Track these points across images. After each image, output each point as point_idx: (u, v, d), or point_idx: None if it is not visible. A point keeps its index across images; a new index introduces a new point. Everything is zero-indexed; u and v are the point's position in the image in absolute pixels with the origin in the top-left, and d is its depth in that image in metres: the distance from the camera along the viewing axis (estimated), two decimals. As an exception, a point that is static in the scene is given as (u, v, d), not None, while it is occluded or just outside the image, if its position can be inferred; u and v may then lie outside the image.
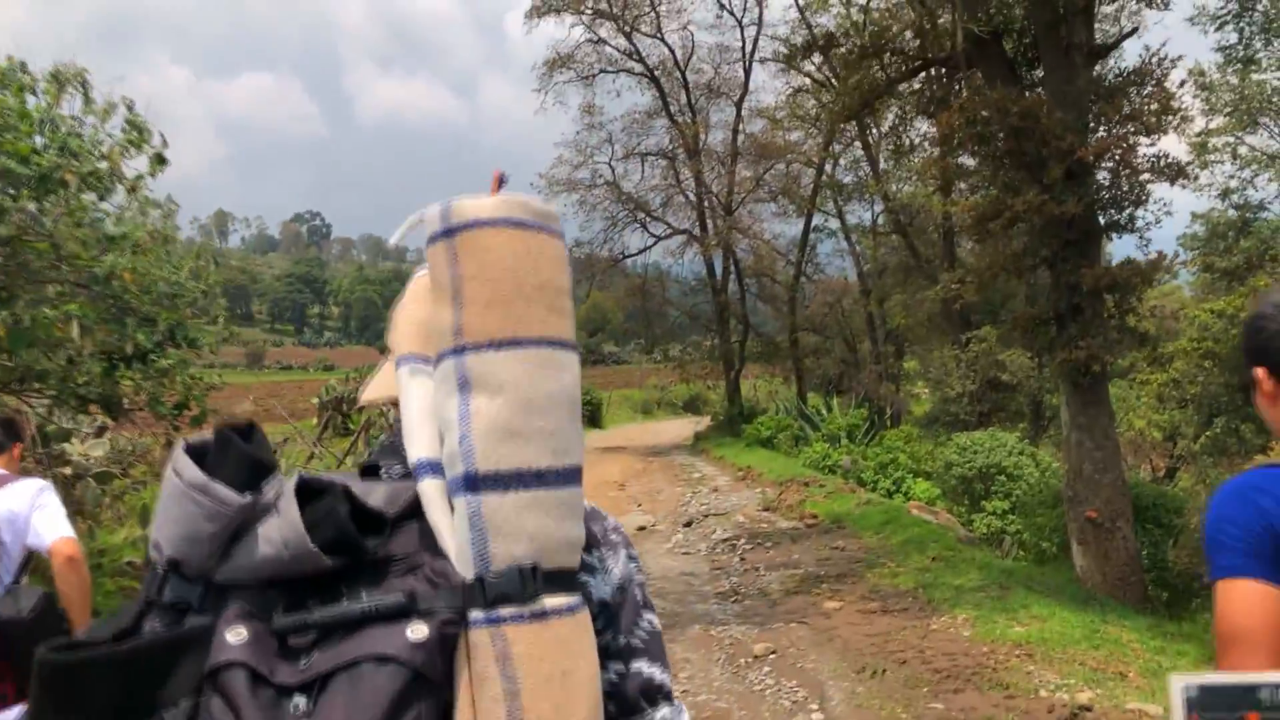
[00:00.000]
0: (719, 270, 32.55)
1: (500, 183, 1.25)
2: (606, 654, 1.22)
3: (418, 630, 1.04)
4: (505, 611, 1.06)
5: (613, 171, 32.16)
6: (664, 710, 1.25)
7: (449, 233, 1.17)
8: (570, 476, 1.14)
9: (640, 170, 32.25)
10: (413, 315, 1.28)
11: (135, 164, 8.95)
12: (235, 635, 1.05)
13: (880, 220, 33.99)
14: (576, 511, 1.14)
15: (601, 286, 35.69)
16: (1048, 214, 9.99)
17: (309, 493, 1.12)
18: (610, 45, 31.18)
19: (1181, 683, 1.42)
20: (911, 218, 27.55)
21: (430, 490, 1.14)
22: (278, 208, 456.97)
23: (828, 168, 31.71)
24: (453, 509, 1.12)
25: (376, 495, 1.17)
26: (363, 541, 1.09)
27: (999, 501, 14.78)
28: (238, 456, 1.11)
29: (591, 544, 1.24)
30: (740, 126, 31.73)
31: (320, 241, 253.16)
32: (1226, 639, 1.61)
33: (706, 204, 32.01)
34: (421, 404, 1.19)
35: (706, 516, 15.33)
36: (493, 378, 1.12)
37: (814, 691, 6.66)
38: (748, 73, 31.48)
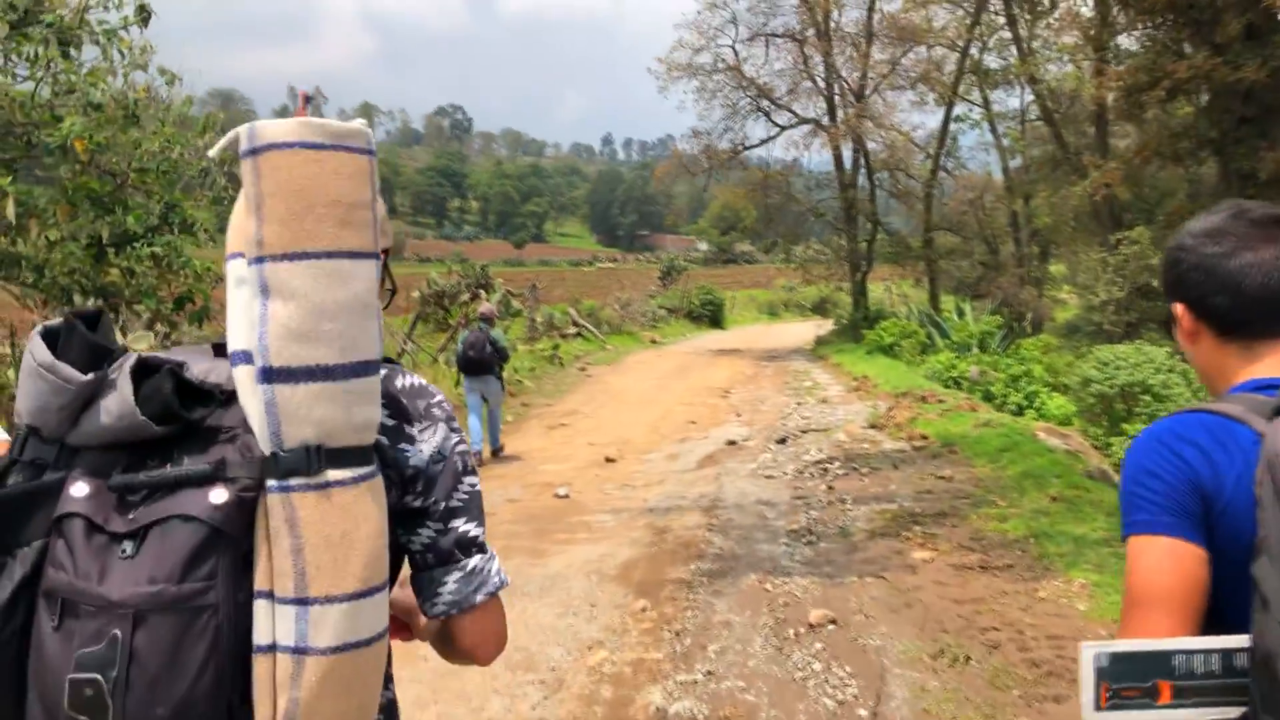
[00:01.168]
0: (848, 163, 30.35)
1: (306, 101, 1.59)
2: (426, 514, 1.47)
3: (219, 494, 1.27)
4: (294, 482, 1.29)
5: (736, 55, 30.06)
6: (475, 559, 1.50)
7: (253, 152, 1.31)
8: (359, 369, 1.32)
9: (765, 54, 30.03)
10: (237, 218, 1.40)
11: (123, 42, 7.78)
12: (78, 490, 1.29)
13: (1029, 109, 31.25)
14: (366, 398, 1.33)
15: (719, 180, 33.76)
16: (1219, 82, 7.98)
17: (147, 370, 1.34)
18: (735, -84, 28.92)
19: (1092, 651, 1.43)
20: (1061, 104, 24.93)
21: (241, 376, 1.32)
22: (422, 101, 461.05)
23: (973, 51, 29.05)
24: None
25: (218, 372, 1.39)
26: (185, 413, 1.32)
27: (1143, 425, 12.86)
28: (82, 341, 1.35)
29: (413, 418, 1.47)
30: (876, 4, 29.20)
31: (462, 135, 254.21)
32: (1138, 600, 1.51)
33: (836, 90, 29.72)
34: (237, 300, 1.35)
35: (805, 433, 13.78)
36: (285, 286, 1.30)
37: (870, 684, 5.17)
38: (886, -57, 28.93)
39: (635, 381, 21.11)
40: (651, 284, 47.06)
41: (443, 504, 1.47)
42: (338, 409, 1.30)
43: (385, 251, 1.56)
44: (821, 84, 29.84)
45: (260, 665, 1.28)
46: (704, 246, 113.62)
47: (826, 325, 34.66)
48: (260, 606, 1.28)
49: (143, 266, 7.79)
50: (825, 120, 29.83)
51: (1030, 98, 29.14)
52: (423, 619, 1.57)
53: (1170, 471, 1.53)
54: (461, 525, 1.49)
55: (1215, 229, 1.64)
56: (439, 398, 1.53)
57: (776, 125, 30.74)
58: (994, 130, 32.33)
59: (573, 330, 28.27)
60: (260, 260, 1.30)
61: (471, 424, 11.97)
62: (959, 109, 31.87)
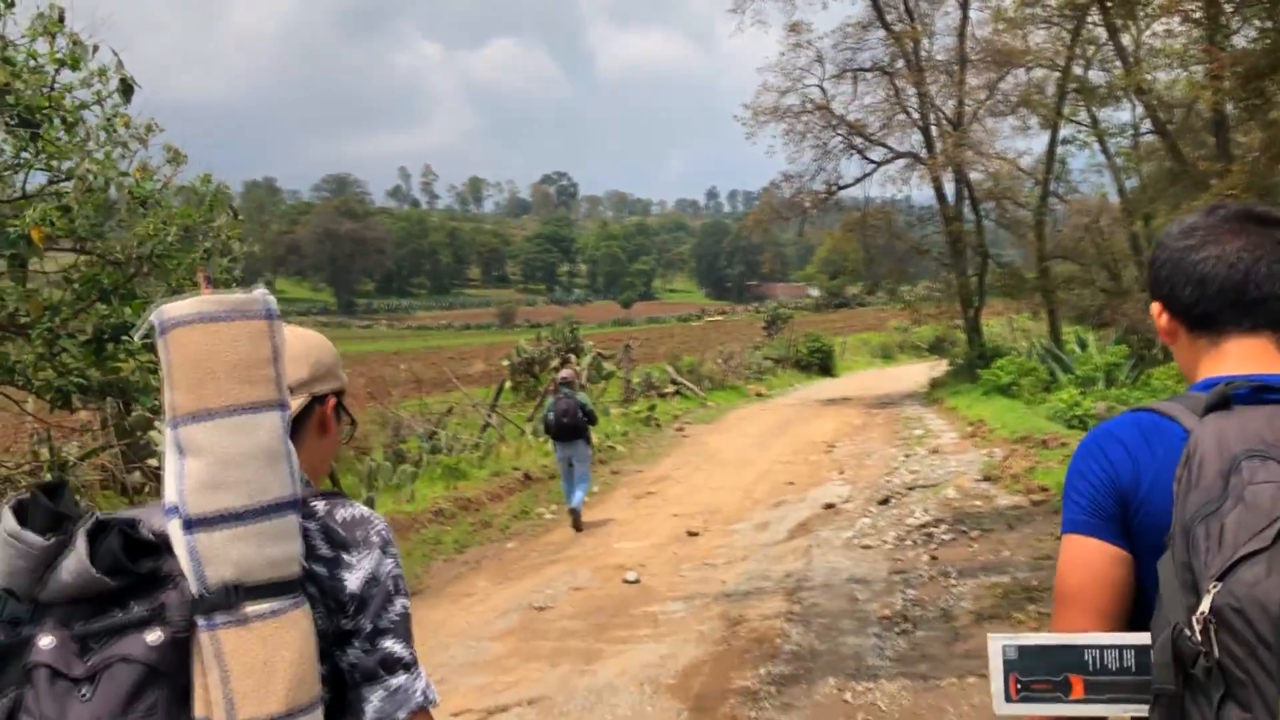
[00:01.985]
0: (950, 196, 28.92)
1: (208, 281, 1.94)
2: (356, 633, 1.58)
3: (154, 636, 1.42)
4: (218, 618, 1.42)
5: (823, 93, 28.95)
6: (401, 678, 1.59)
7: (162, 331, 1.47)
8: (269, 510, 1.46)
9: (853, 90, 28.87)
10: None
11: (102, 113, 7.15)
12: (45, 642, 1.42)
13: (1140, 123, 29.48)
14: (280, 537, 1.47)
15: (814, 223, 32.52)
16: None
17: (103, 529, 1.46)
18: (814, -48, 28.00)
19: (999, 643, 1.48)
20: (1175, 115, 23.25)
21: (172, 527, 1.46)
22: (528, 171, 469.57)
23: (1075, 68, 27.52)
24: None
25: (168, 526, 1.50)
26: (132, 566, 1.45)
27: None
28: (44, 510, 1.47)
29: (350, 546, 1.62)
30: (968, 30, 27.91)
31: (568, 201, 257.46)
32: (1061, 598, 1.59)
33: (932, 121, 28.39)
34: (167, 461, 1.49)
35: (911, 490, 12.53)
36: (194, 443, 1.45)
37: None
38: (974, -33, 27.66)
39: (733, 440, 20.00)
40: (757, 335, 45.92)
41: (370, 624, 1.60)
42: (251, 548, 1.45)
43: (339, 392, 1.85)
44: (916, 116, 28.52)
45: None
46: (815, 292, 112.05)
47: (942, 366, 33.08)
48: None
49: (135, 362, 7.06)
50: (923, 153, 28.48)
51: (1141, 111, 27.47)
52: None
53: (1094, 472, 1.59)
54: (388, 644, 1.60)
55: (1189, 226, 1.65)
56: (378, 525, 1.68)
57: (871, 162, 29.48)
58: (1105, 150, 30.57)
59: (671, 389, 27.29)
60: (175, 424, 1.47)
61: (565, 489, 12.23)
62: (1065, 130, 30.27)
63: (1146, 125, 28.64)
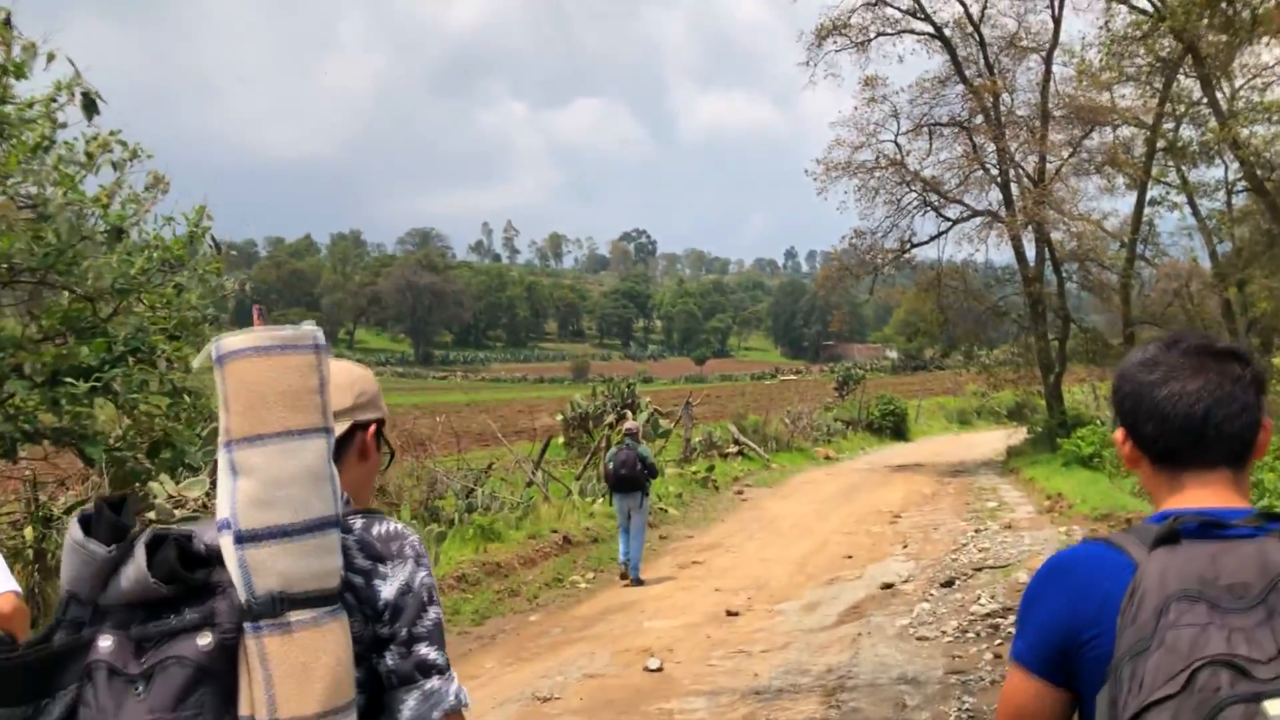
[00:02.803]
0: (1031, 257, 27.66)
1: (260, 315, 2.03)
2: (393, 639, 1.71)
3: (205, 639, 1.55)
4: (264, 625, 1.55)
5: (898, 149, 27.93)
6: (434, 680, 1.72)
7: (220, 360, 1.63)
8: (314, 527, 1.60)
9: (929, 146, 27.81)
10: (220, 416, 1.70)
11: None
12: (104, 642, 1.57)
13: (1234, 184, 28.05)
14: (322, 551, 1.61)
15: (885, 283, 31.28)
16: None
17: (159, 542, 1.61)
18: (890, 4, 27.14)
19: None
20: (1272, 172, 21.91)
21: (224, 541, 1.60)
22: (608, 228, 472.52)
23: (1166, 125, 26.27)
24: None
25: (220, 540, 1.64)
26: (187, 575, 1.58)
27: None
28: (108, 521, 1.63)
29: (386, 559, 1.76)
30: (1051, 85, 26.80)
31: (646, 258, 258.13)
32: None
33: (1012, 178, 27.23)
34: (220, 480, 1.64)
35: (979, 570, 11.39)
36: (247, 464, 1.60)
37: None
38: (1058, 21, 26.51)
39: (795, 506, 18.91)
40: (829, 395, 44.66)
41: (405, 630, 1.72)
42: (296, 561, 1.58)
43: (380, 421, 1.98)
44: (995, 173, 27.38)
45: None
46: (892, 354, 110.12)
47: (1020, 434, 31.65)
48: None
49: (85, 407, 6.32)
50: (1001, 211, 27.29)
51: (1236, 169, 26.11)
52: None
53: (1046, 610, 1.60)
54: (422, 650, 1.73)
55: (1150, 359, 1.68)
56: (411, 539, 1.82)
57: (946, 219, 28.26)
58: (1196, 211, 29.18)
59: (734, 449, 26.24)
60: (229, 445, 1.62)
61: (621, 540, 12.13)
62: (1154, 190, 28.96)
63: (1241, 186, 27.31)
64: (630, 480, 11.81)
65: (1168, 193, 29.79)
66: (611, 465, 12.04)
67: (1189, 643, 1.34)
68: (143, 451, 6.74)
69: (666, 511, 17.81)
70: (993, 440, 33.39)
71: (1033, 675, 1.59)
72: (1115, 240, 29.42)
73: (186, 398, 6.94)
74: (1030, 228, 26.01)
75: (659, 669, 7.95)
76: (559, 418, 23.15)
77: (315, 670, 1.56)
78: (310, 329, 1.69)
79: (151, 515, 9.60)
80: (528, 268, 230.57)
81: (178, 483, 8.63)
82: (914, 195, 28.05)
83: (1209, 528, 1.49)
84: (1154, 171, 27.77)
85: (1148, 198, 28.20)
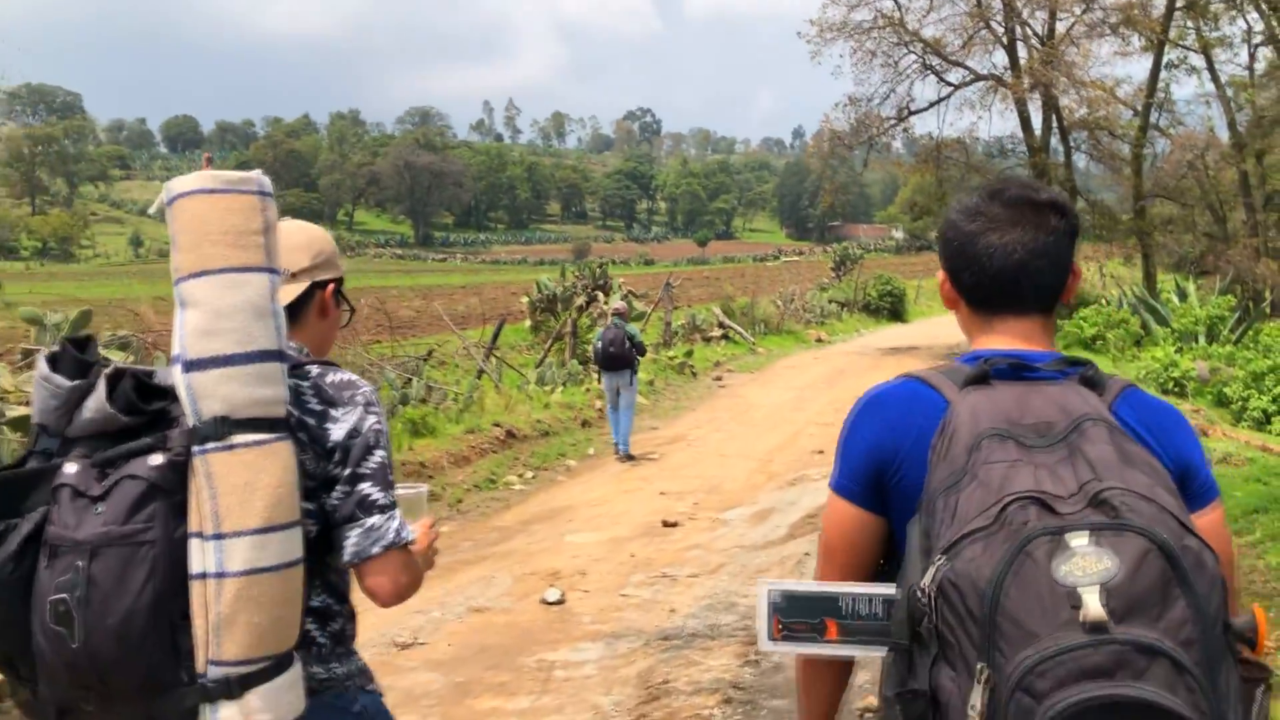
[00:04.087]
0: (1037, 125, 25.80)
1: (209, 162, 2.14)
2: (338, 479, 1.84)
3: (156, 459, 1.66)
4: (209, 445, 1.66)
5: (897, 6, 25.78)
6: (375, 518, 1.83)
7: (170, 201, 1.74)
8: (256, 357, 1.70)
9: (930, 1, 25.60)
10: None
11: None
12: (70, 468, 1.69)
13: (1258, 47, 26.08)
14: (266, 380, 1.70)
15: (880, 154, 29.25)
16: None
17: (119, 376, 1.75)
18: None
19: (766, 587, 1.61)
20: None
21: (175, 371, 1.72)
22: (613, 107, 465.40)
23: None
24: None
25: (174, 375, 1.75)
26: (144, 406, 1.73)
27: None
28: (71, 358, 1.80)
29: (337, 404, 1.88)
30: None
31: (651, 138, 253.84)
32: (822, 550, 1.72)
33: (1019, 37, 25.20)
34: (176, 315, 1.74)
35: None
36: (193, 297, 1.71)
37: None
38: None
39: (773, 394, 17.56)
40: (825, 276, 43.07)
41: (350, 470, 1.84)
42: (239, 388, 1.68)
43: (338, 280, 2.12)
44: (1001, 31, 25.30)
45: (195, 589, 1.65)
46: (899, 234, 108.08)
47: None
48: (193, 544, 1.66)
49: None
50: (1006, 75, 25.30)
51: (1261, 29, 24.15)
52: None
53: (859, 441, 1.68)
54: (365, 488, 1.84)
55: (973, 209, 1.73)
56: (364, 388, 1.93)
57: (948, 84, 26.28)
58: (1215, 76, 27.25)
59: (718, 333, 24.81)
60: (178, 281, 1.73)
61: (611, 420, 12.32)
62: (1172, 54, 26.98)
63: (1264, 56, 25.38)
64: (619, 358, 11.90)
65: (1185, 56, 27.82)
66: (600, 344, 12.14)
67: (999, 478, 1.40)
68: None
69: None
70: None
71: (851, 503, 1.69)
72: (1128, 108, 27.52)
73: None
74: (1037, 92, 24.10)
75: (559, 601, 6.61)
76: (525, 300, 21.67)
77: (257, 488, 1.67)
78: (256, 175, 1.81)
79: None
80: (529, 148, 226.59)
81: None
82: (913, 58, 26.04)
83: (1017, 369, 1.60)
84: (1172, 34, 25.82)
85: (1164, 61, 26.27)
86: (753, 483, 10.33)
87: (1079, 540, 1.29)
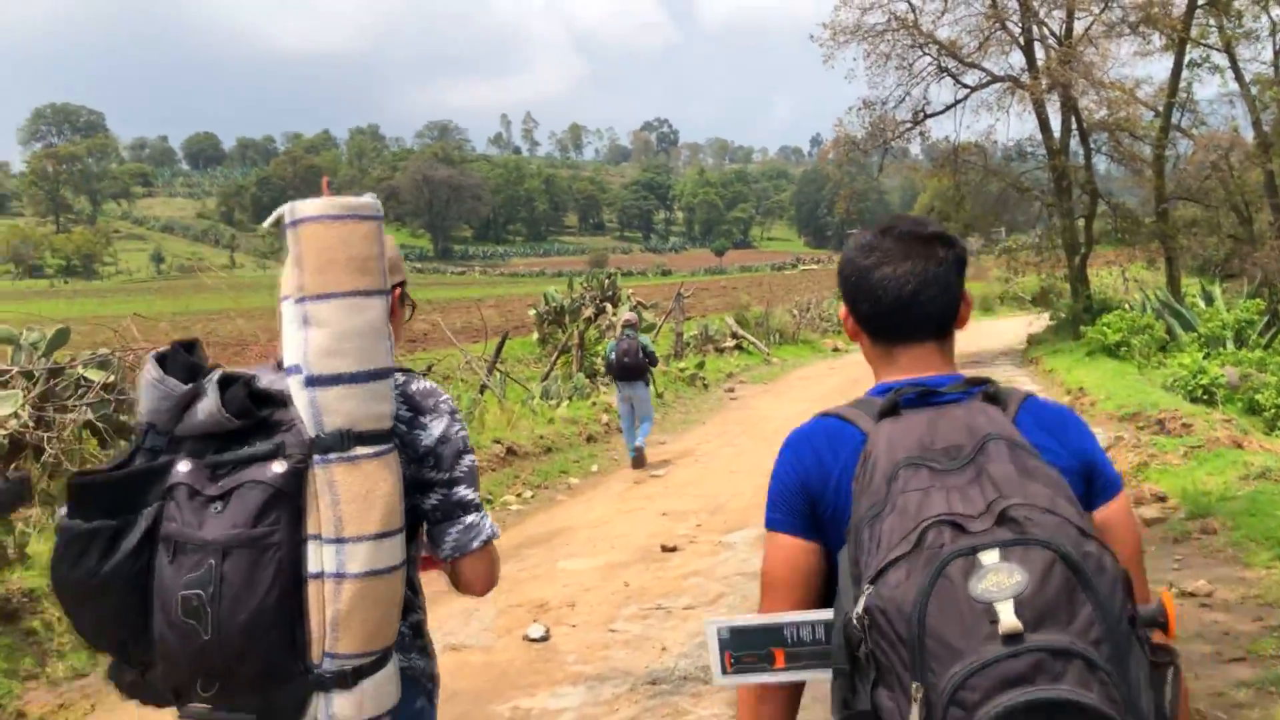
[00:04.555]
0: (1056, 128, 25.20)
1: (328, 185, 2.10)
2: (435, 482, 1.98)
3: (279, 466, 1.77)
4: (331, 456, 1.78)
5: (911, 8, 25.22)
6: (471, 516, 2.00)
7: (294, 224, 1.85)
8: (373, 375, 1.83)
9: (944, 3, 25.00)
10: (286, 272, 1.89)
11: None
12: (183, 467, 1.81)
13: (1282, 48, 25.40)
14: (380, 396, 1.84)
15: (896, 158, 28.61)
16: None
17: (229, 381, 1.86)
18: None
19: (714, 626, 1.70)
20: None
21: (293, 384, 1.83)
22: (630, 118, 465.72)
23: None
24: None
25: (280, 382, 1.88)
26: (256, 411, 1.84)
27: None
28: (182, 361, 1.93)
29: (425, 411, 2.00)
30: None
31: (668, 148, 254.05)
32: (764, 585, 1.78)
33: (1036, 36, 24.61)
34: (288, 330, 1.86)
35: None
36: (319, 317, 1.81)
37: None
38: None
39: (786, 405, 17.04)
40: (843, 284, 42.46)
41: (445, 474, 1.98)
42: (359, 403, 1.81)
43: (401, 284, 2.17)
44: (1017, 31, 24.71)
45: (312, 588, 1.79)
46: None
47: (1043, 321, 29.53)
48: (311, 546, 1.79)
49: None
50: (1024, 77, 24.70)
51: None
52: None
53: (788, 474, 1.77)
54: (460, 490, 1.99)
55: (868, 244, 1.83)
56: (445, 396, 2.06)
57: (965, 86, 25.70)
58: (1238, 74, 26.47)
59: (731, 343, 24.31)
60: (301, 300, 1.83)
61: (625, 429, 12.26)
62: (1194, 53, 26.30)
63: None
64: (634, 369, 11.86)
65: (1208, 55, 27.13)
66: (613, 355, 12.11)
67: (916, 505, 1.47)
68: None
69: (641, 414, 15.98)
70: (1015, 327, 31.35)
71: (789, 534, 1.74)
72: (1148, 109, 26.87)
73: None
74: (1055, 93, 23.49)
75: (543, 638, 6.12)
76: (532, 312, 21.21)
77: (376, 497, 1.80)
78: (372, 200, 1.92)
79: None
80: (547, 160, 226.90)
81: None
82: (928, 60, 25.45)
83: (924, 396, 1.69)
84: (1194, 32, 25.15)
85: (1186, 60, 25.60)
86: (759, 501, 9.71)
87: (990, 558, 1.37)
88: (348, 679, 1.80)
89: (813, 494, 1.71)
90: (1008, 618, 1.31)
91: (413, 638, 2.07)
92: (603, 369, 15.85)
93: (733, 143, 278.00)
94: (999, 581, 1.34)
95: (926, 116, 26.05)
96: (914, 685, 1.34)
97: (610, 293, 20.16)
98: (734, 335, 24.71)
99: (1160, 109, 26.15)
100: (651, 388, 12.54)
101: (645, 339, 12.41)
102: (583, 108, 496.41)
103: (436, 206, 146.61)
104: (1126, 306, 23.18)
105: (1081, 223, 25.49)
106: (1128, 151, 26.02)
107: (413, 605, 2.07)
